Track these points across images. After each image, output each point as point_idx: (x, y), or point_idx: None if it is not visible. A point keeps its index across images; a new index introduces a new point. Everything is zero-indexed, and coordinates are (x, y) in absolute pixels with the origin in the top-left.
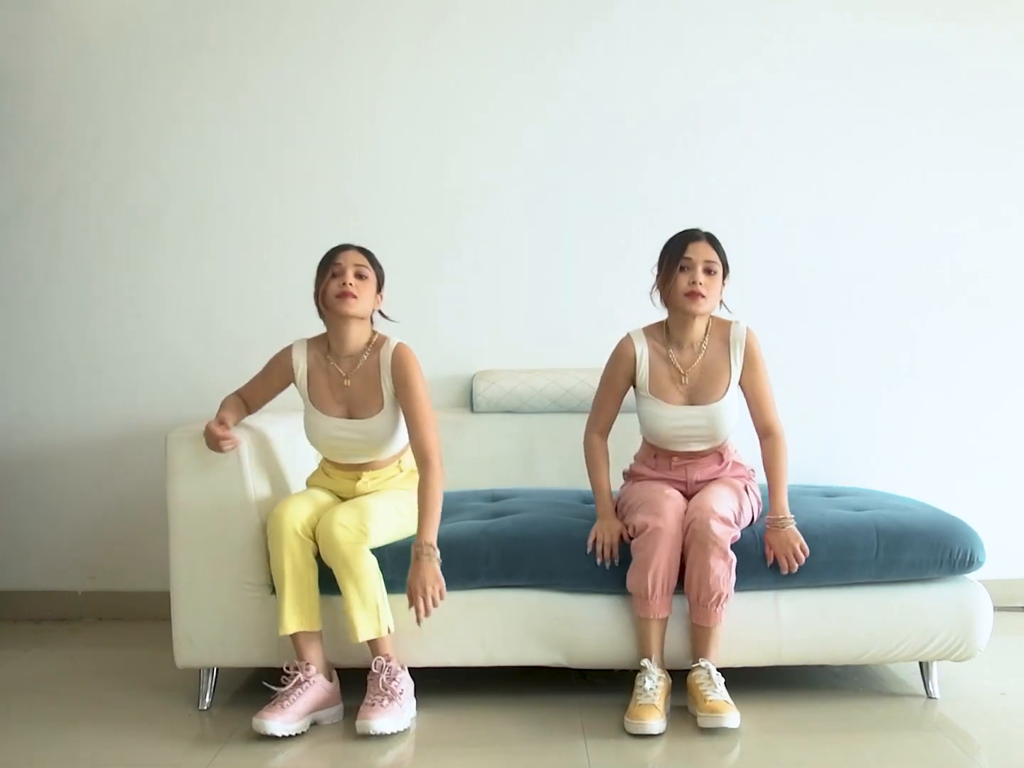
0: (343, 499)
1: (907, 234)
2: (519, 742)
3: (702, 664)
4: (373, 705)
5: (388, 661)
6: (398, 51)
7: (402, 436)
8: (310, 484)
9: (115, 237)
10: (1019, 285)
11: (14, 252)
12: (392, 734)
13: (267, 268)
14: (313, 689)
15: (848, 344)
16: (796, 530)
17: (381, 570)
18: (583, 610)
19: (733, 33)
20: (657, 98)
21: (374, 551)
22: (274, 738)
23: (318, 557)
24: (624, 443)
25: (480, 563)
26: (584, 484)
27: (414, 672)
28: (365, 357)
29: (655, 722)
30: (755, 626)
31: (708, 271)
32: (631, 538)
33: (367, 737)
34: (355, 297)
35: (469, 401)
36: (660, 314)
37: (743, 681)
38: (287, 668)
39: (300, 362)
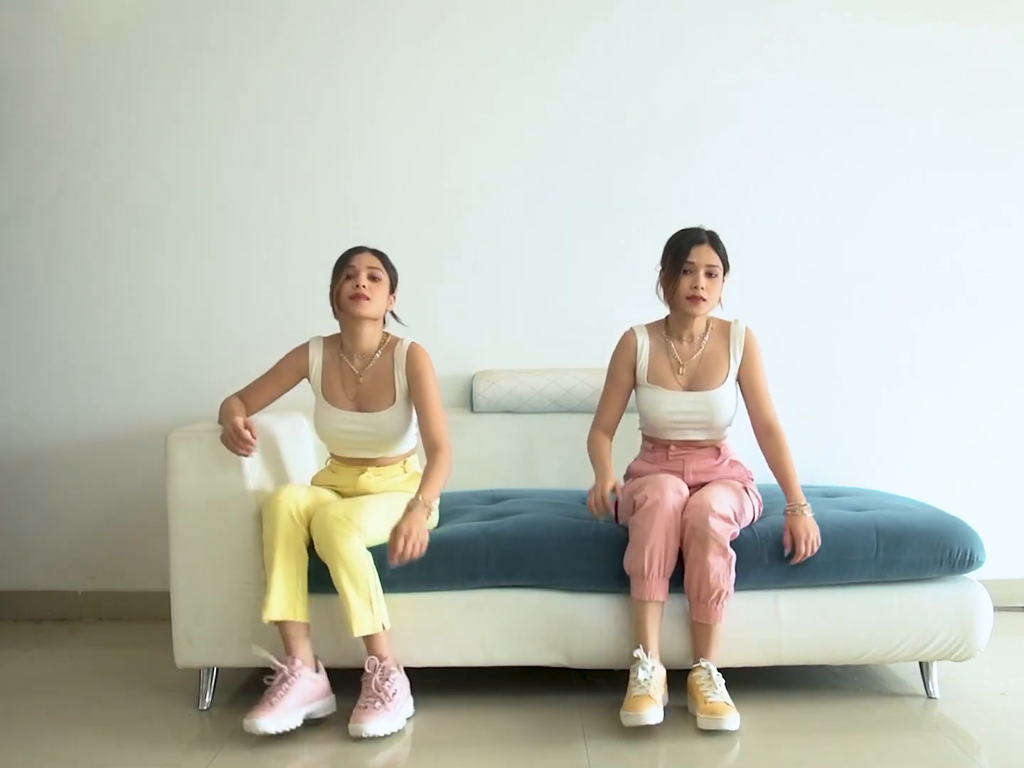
0: (344, 497)
1: (907, 234)
2: (519, 742)
3: (702, 664)
4: (366, 708)
5: (382, 661)
6: (398, 51)
7: (410, 438)
8: (314, 482)
9: (115, 237)
10: (1019, 285)
11: (14, 252)
12: (385, 736)
13: (267, 268)
14: (300, 683)
15: (848, 344)
16: (813, 519)
17: (380, 569)
18: (583, 610)
19: (733, 33)
20: (657, 98)
21: (371, 548)
22: (270, 737)
23: (311, 552)
24: (624, 444)
25: (480, 563)
26: (584, 484)
27: (414, 672)
28: (378, 355)
29: (651, 711)
30: (755, 626)
31: (709, 275)
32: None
33: (360, 740)
34: (368, 299)
35: (469, 401)
36: (660, 314)
37: (743, 681)
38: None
39: (316, 358)
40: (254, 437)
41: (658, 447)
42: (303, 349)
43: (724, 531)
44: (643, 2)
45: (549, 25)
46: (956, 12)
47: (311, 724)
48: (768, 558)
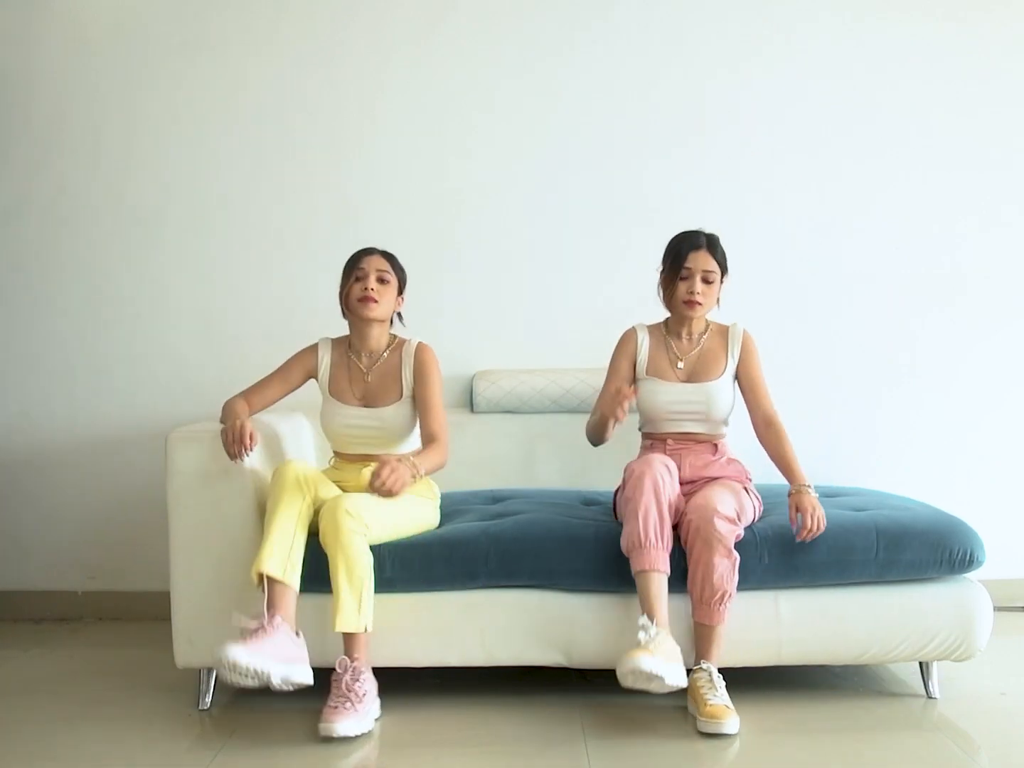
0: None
1: (907, 234)
2: (519, 742)
3: (704, 666)
4: (336, 708)
5: (354, 662)
6: (398, 51)
7: (414, 437)
8: None
9: (115, 237)
10: (1019, 285)
11: (14, 252)
12: (355, 737)
13: (267, 268)
14: (278, 635)
15: (848, 344)
16: (818, 499)
17: (381, 570)
18: (583, 610)
19: (733, 33)
20: (657, 98)
21: (371, 548)
22: (269, 736)
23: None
24: (625, 444)
25: (480, 563)
26: (584, 485)
27: (414, 672)
28: (386, 355)
29: (643, 658)
30: (755, 626)
31: (706, 280)
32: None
33: (330, 740)
34: (376, 302)
35: (469, 401)
36: (660, 314)
37: (743, 681)
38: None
39: (325, 358)
40: (252, 446)
41: (656, 442)
42: (312, 349)
43: (729, 532)
44: (643, 2)
45: (549, 25)
46: (956, 12)
47: (290, 696)
48: (768, 558)
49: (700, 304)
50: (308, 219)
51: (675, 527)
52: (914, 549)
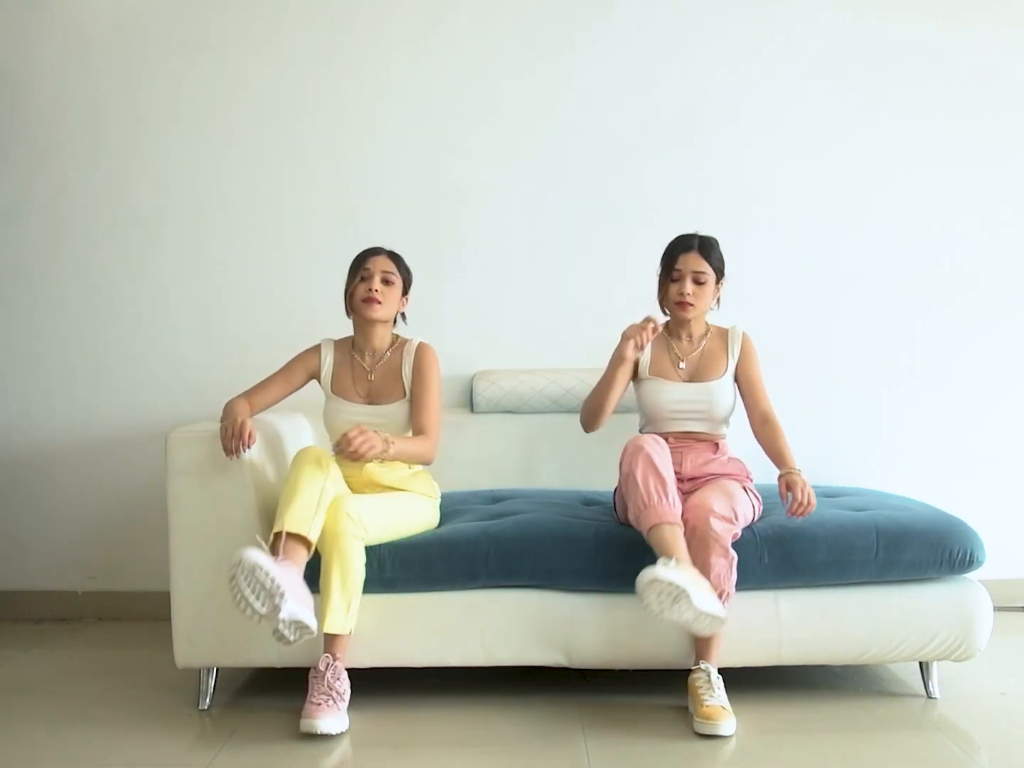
0: (350, 485)
1: (907, 234)
2: (519, 742)
3: (702, 667)
4: (319, 705)
5: (335, 660)
6: (398, 51)
7: None
8: None
9: (115, 237)
10: (1019, 285)
11: (14, 252)
12: (336, 735)
13: (267, 268)
14: (297, 577)
15: (848, 344)
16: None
17: (381, 569)
18: (583, 610)
19: (733, 33)
20: (657, 98)
21: (371, 548)
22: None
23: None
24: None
25: (480, 563)
26: (584, 485)
27: (414, 672)
28: (388, 354)
29: (663, 569)
30: (755, 626)
31: (696, 281)
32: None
33: (312, 737)
34: (379, 303)
35: (469, 401)
36: (660, 313)
37: (743, 681)
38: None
39: (327, 358)
40: (251, 444)
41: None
42: (315, 349)
43: (726, 531)
44: (643, 2)
45: (549, 25)
46: (956, 12)
47: (290, 697)
48: (768, 558)
49: (691, 305)
50: (308, 219)
51: None
52: (914, 549)
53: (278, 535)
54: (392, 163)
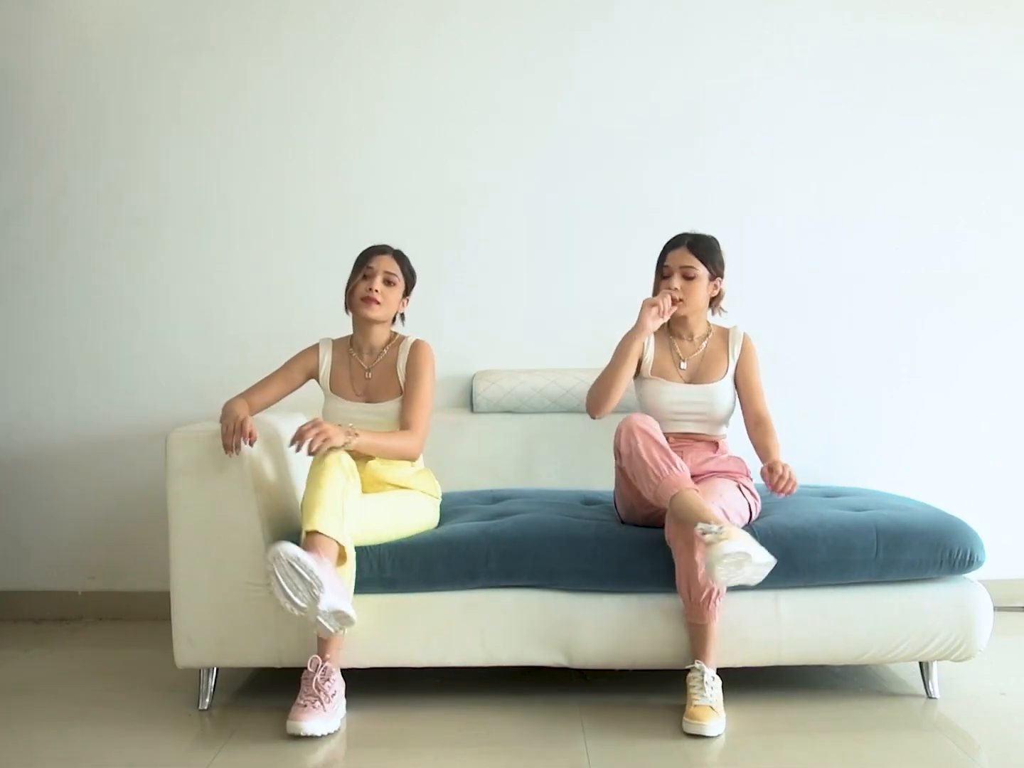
0: None
1: (907, 234)
2: (519, 742)
3: (696, 666)
4: (305, 706)
5: (325, 662)
6: (398, 51)
7: None
8: None
9: (115, 237)
10: (1019, 285)
11: (14, 252)
12: (321, 736)
13: (267, 268)
14: (332, 570)
15: (848, 344)
16: None
17: (381, 569)
18: (583, 610)
19: (733, 33)
20: (657, 98)
21: (371, 548)
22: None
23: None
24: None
25: (480, 563)
26: (584, 485)
27: (415, 672)
28: (385, 352)
29: (726, 543)
30: (755, 626)
31: (685, 276)
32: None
33: (297, 738)
34: (378, 304)
35: (469, 401)
36: None
37: (743, 681)
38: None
39: (326, 357)
40: (252, 442)
41: None
42: (313, 349)
43: None
44: (643, 2)
45: (549, 25)
46: (956, 12)
47: (290, 697)
48: None
49: (681, 300)
50: (308, 219)
51: (658, 527)
52: (914, 549)
53: (310, 534)
54: (392, 163)
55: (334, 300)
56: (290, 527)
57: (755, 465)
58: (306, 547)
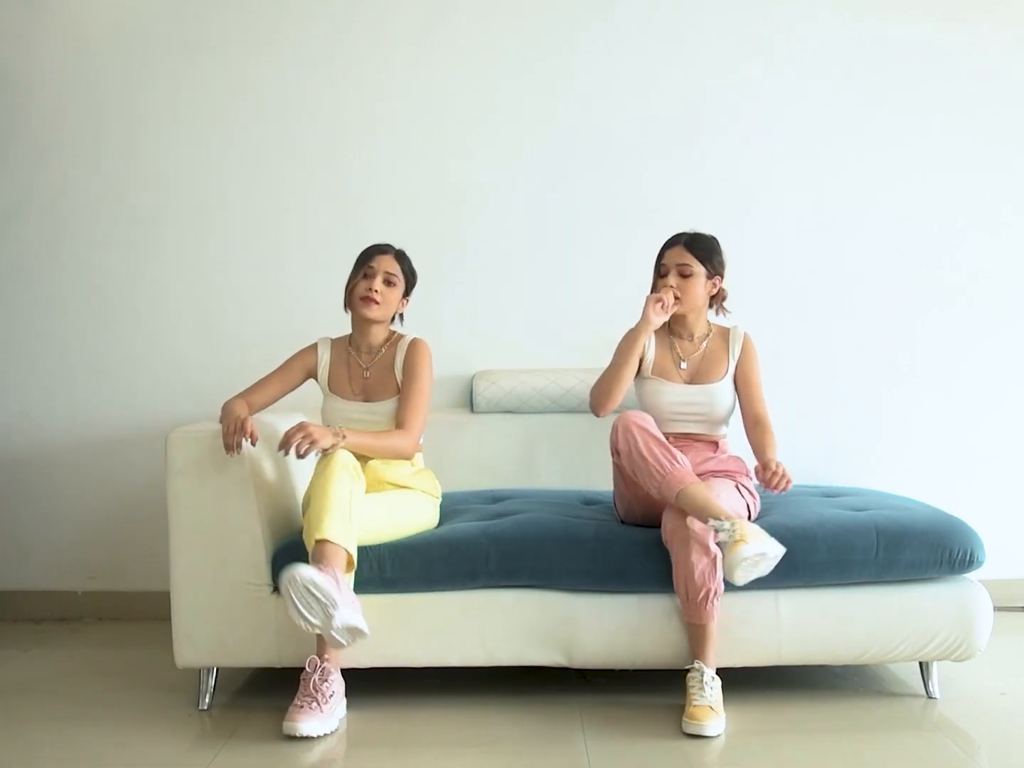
0: None
1: (907, 234)
2: (519, 742)
3: (696, 666)
4: (302, 707)
5: (323, 662)
6: (398, 51)
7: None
8: None
9: (115, 237)
10: (1019, 285)
11: (14, 252)
12: (318, 737)
13: (267, 268)
14: (343, 583)
15: (848, 344)
16: None
17: (381, 569)
18: (583, 610)
19: (733, 33)
20: (657, 98)
21: (371, 548)
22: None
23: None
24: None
25: (480, 563)
26: (584, 485)
27: (414, 672)
28: (383, 351)
29: (743, 547)
30: (755, 626)
31: (681, 274)
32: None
33: (294, 739)
34: (377, 304)
35: (469, 401)
36: None
37: (743, 681)
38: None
39: (324, 356)
40: (252, 441)
41: None
42: (312, 348)
43: (703, 529)
44: (643, 2)
45: (549, 25)
46: (956, 12)
47: (290, 697)
48: None
49: (678, 298)
50: (308, 219)
51: (658, 526)
52: (914, 549)
53: (319, 542)
54: (392, 163)
55: (334, 300)
56: (290, 527)
57: (754, 465)
58: (315, 555)
